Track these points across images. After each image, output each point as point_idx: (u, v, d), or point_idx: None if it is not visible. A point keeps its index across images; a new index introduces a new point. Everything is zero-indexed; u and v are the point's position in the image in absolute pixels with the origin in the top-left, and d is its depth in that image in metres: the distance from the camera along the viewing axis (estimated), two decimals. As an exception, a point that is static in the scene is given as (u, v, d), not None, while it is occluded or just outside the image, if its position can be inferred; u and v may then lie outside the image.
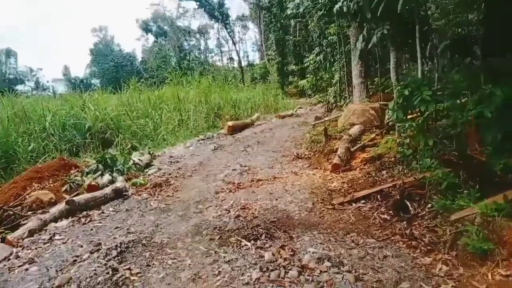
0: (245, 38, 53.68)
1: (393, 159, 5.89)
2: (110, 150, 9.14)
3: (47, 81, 51.91)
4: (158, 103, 17.46)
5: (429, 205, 4.14)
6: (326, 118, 10.86)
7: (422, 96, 4.72)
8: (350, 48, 11.21)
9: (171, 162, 8.79)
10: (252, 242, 3.86)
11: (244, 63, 37.71)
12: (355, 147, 6.57)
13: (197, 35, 50.54)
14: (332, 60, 11.36)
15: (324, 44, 11.17)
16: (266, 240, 3.90)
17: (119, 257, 3.68)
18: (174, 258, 3.65)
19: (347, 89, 11.08)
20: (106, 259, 3.63)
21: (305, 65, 12.70)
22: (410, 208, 4.15)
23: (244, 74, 34.50)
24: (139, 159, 8.08)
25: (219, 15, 35.13)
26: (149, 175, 7.46)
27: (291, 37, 30.52)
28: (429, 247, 3.52)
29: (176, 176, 7.38)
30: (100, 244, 4.04)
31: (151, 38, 49.78)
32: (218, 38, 47.42)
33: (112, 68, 48.88)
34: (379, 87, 9.15)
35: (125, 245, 3.94)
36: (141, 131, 15.31)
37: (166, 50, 42.88)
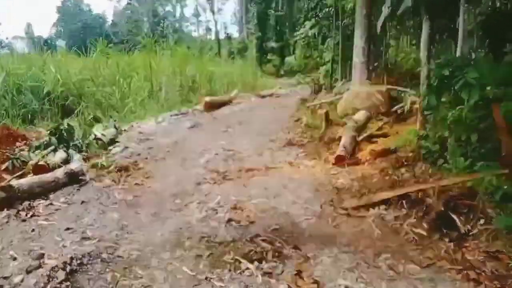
0: (224, 8, 51.49)
1: (410, 154, 5.01)
2: (68, 120, 7.76)
3: (6, 38, 47.82)
4: (128, 71, 15.88)
5: (482, 221, 3.27)
6: (316, 101, 9.88)
7: (466, 79, 3.80)
8: (349, 23, 10.22)
9: (141, 139, 7.57)
10: (256, 264, 2.85)
11: (222, 36, 35.98)
12: (361, 137, 5.65)
13: (173, 1, 47.81)
14: (326, 35, 10.32)
15: (321, 16, 10.11)
16: (274, 260, 2.90)
17: (68, 283, 2.56)
18: (148, 286, 2.58)
19: (341, 69, 10.13)
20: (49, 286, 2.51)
21: (294, 39, 11.59)
22: (459, 224, 3.26)
23: (221, 47, 32.86)
24: (102, 134, 6.81)
25: (198, -20, 32.98)
26: (113, 154, 6.24)
27: (273, 12, 29.12)
28: (495, 282, 2.64)
29: (146, 158, 6.21)
30: (42, 256, 2.91)
31: (124, 0, 46.63)
32: (197, 5, 45.04)
33: (80, 30, 45.40)
34: (382, 68, 8.26)
35: (78, 261, 2.82)
36: (107, 100, 13.83)
37: (139, 14, 40.25)
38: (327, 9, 10.37)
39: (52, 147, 5.63)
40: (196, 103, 15.24)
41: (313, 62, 11.96)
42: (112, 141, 6.91)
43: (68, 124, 6.26)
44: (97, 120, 8.76)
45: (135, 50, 19.15)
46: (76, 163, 5.18)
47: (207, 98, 12.80)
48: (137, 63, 16.76)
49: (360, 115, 5.94)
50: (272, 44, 28.65)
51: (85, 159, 5.70)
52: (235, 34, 40.40)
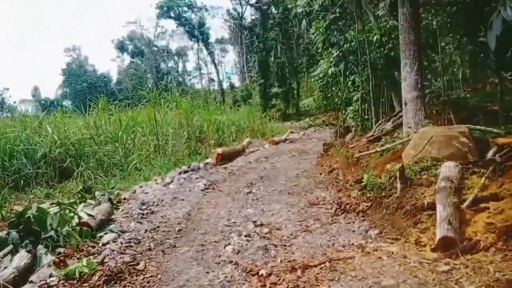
0: (223, 60, 51.29)
1: None
2: (36, 202, 5.76)
3: (14, 102, 47.09)
4: (131, 126, 14.13)
5: None
6: (352, 145, 7.93)
7: None
8: (376, 56, 8.50)
9: (143, 214, 5.51)
10: None
11: (225, 85, 34.92)
12: (466, 203, 3.61)
13: (175, 57, 47.47)
14: (352, 71, 8.62)
15: (345, 50, 8.47)
16: None
17: None
18: None
19: (374, 108, 8.29)
20: None
21: (313, 79, 10.03)
22: None
23: (225, 96, 31.59)
24: (89, 214, 4.77)
25: (200, 34, 32.37)
26: (102, 245, 4.16)
27: (273, 59, 28.07)
28: None
29: (149, 249, 4.14)
30: None
31: (127, 59, 46.32)
32: (198, 59, 44.59)
33: (85, 89, 44.66)
34: (441, 103, 6.39)
35: None
36: (109, 158, 11.98)
37: (142, 71, 39.54)
38: (347, 45, 8.72)
39: (9, 248, 3.59)
40: (205, 154, 13.40)
41: (336, 102, 10.21)
42: (104, 223, 4.86)
43: (39, 208, 4.24)
44: (87, 191, 6.73)
45: (140, 105, 17.51)
46: (38, 274, 3.12)
47: (219, 150, 10.90)
48: (141, 118, 15.07)
49: (450, 169, 3.94)
50: (276, 89, 27.34)
51: (60, 261, 3.64)
52: (236, 83, 39.49)
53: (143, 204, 6.06)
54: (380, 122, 7.80)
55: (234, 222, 4.93)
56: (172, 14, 34.55)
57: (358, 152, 7.10)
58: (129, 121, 14.37)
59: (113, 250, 3.95)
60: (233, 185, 7.52)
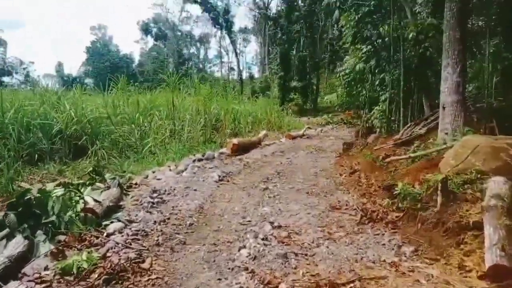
0: (245, 50, 50.42)
1: None
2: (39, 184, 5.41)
3: (38, 76, 47.39)
4: (149, 108, 13.78)
5: None
6: (377, 147, 7.37)
7: None
8: (410, 55, 7.84)
9: (153, 203, 5.11)
10: None
11: (244, 76, 34.34)
12: (520, 227, 3.10)
13: (198, 44, 46.98)
14: (384, 68, 7.98)
15: (377, 46, 7.83)
16: None
17: None
18: None
19: (403, 110, 7.66)
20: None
21: (338, 75, 9.43)
22: None
23: (243, 86, 31.05)
24: (95, 200, 4.38)
25: (224, 22, 31.75)
26: (106, 236, 3.77)
27: (295, 52, 27.33)
28: None
29: (157, 244, 3.73)
30: None
31: (150, 41, 46.01)
32: (220, 47, 43.89)
33: (107, 69, 44.59)
34: (482, 110, 5.78)
35: None
36: (124, 139, 11.66)
37: (164, 55, 39.20)
38: (380, 40, 8.07)
39: (4, 232, 3.22)
40: (220, 143, 12.99)
41: (358, 100, 9.59)
42: (111, 210, 4.48)
43: (40, 190, 3.86)
44: (98, 173, 6.37)
45: (160, 89, 17.12)
46: (32, 266, 2.73)
47: (235, 140, 10.46)
48: (159, 101, 14.69)
49: (500, 185, 3.41)
50: (295, 83, 26.68)
51: (58, 252, 3.26)
52: (256, 74, 38.80)
53: (154, 191, 5.66)
54: (409, 125, 7.21)
55: (249, 221, 4.49)
56: (199, -1, 34.14)
57: (385, 156, 6.55)
58: (147, 104, 14.02)
59: (117, 243, 3.55)
60: (249, 178, 7.06)
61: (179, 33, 43.69)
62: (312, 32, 26.92)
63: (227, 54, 47.13)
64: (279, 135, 15.29)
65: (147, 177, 7.39)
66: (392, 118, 8.13)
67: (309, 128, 16.47)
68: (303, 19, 26.92)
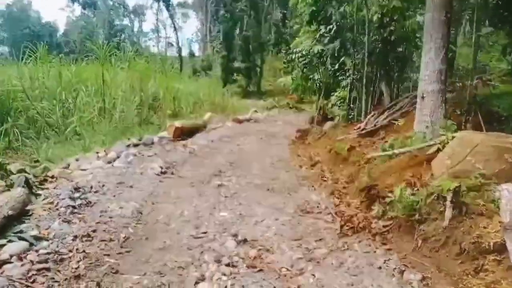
0: (184, 26, 47.40)
1: None
2: None
3: None
4: (74, 83, 11.83)
5: None
6: (340, 137, 6.73)
7: None
8: (374, 39, 7.25)
9: (74, 207, 3.84)
10: None
11: (184, 53, 32.27)
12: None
13: (132, 15, 43.14)
14: (347, 51, 7.27)
15: (342, 26, 7.06)
16: None
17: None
18: None
19: (363, 98, 7.08)
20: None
21: (291, 56, 8.60)
22: None
23: (183, 64, 29.15)
24: (-16, 210, 3.04)
25: (162, -8, 29.18)
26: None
27: (238, 32, 26.09)
28: None
29: (77, 277, 2.58)
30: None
31: (77, 10, 41.03)
32: (157, 20, 40.63)
33: (26, 37, 39.19)
34: (468, 102, 5.24)
35: None
36: (43, 117, 9.82)
37: (94, 25, 35.27)
38: (343, 20, 7.34)
39: None
40: (159, 125, 11.65)
41: (314, 84, 8.90)
42: (13, 220, 3.17)
43: None
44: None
45: (87, 61, 14.81)
46: None
47: (178, 123, 9.22)
48: (86, 75, 12.70)
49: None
50: (239, 64, 25.57)
51: None
52: (196, 53, 36.83)
53: (76, 189, 4.36)
54: (372, 114, 6.68)
55: (205, 233, 3.48)
56: (133, -35, 30.50)
57: (350, 147, 5.91)
58: (72, 77, 12.03)
59: (13, 282, 2.34)
60: (197, 170, 5.99)
61: (111, 2, 39.56)
62: (256, 11, 25.84)
63: (165, 28, 44.15)
64: (225, 118, 14.22)
65: (68, 166, 5.98)
66: (352, 106, 7.58)
67: (255, 111, 15.65)
68: (248, -3, 25.69)
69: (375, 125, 6.34)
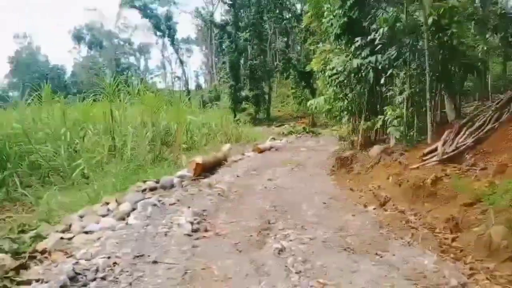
0: (189, 61, 46.85)
1: None
2: None
3: (-44, 91, 39.67)
4: (81, 122, 10.45)
5: None
6: (415, 165, 5.11)
7: None
8: (441, 39, 5.76)
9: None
10: None
11: (191, 86, 31.24)
12: None
13: (137, 54, 42.61)
14: (404, 60, 5.80)
15: (397, 31, 5.58)
16: None
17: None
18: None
19: (428, 115, 5.51)
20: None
21: (326, 73, 7.22)
22: None
23: (191, 97, 28.03)
24: None
25: (166, 29, 28.42)
26: None
27: (243, 61, 25.07)
28: None
29: None
30: None
31: (84, 51, 40.52)
32: (162, 56, 39.92)
33: (36, 81, 38.67)
34: None
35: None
36: (46, 161, 8.39)
37: (100, 65, 34.56)
38: (398, 24, 5.86)
39: None
40: (174, 161, 10.12)
41: (352, 104, 7.42)
42: None
43: None
44: None
45: (95, 99, 13.42)
46: None
47: (199, 159, 7.67)
48: (94, 113, 11.29)
49: None
50: (247, 92, 24.37)
51: None
52: (203, 85, 35.84)
53: (73, 278, 2.75)
54: (448, 133, 5.11)
55: None
56: (137, 4, 30.03)
57: (436, 178, 4.30)
58: (79, 116, 10.65)
59: None
60: (237, 222, 4.37)
61: (116, 41, 39.05)
62: (260, 40, 24.90)
63: (170, 64, 43.48)
64: (242, 148, 12.71)
65: (69, 228, 4.39)
66: (412, 131, 5.99)
67: (273, 139, 14.15)
68: (252, 27, 24.82)
69: (456, 148, 4.78)
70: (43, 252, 3.49)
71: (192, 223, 4.18)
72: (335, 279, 2.83)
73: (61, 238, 3.98)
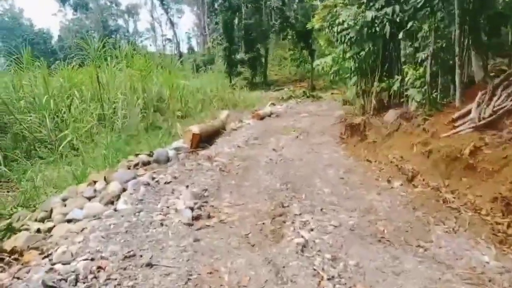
0: (179, 22, 44.39)
1: None
2: None
3: None
4: (67, 89, 9.57)
5: None
6: (445, 134, 4.43)
7: None
8: None
9: None
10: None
11: (183, 49, 29.59)
12: None
13: (125, 16, 40.13)
14: (433, 8, 4.89)
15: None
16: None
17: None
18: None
19: (457, 74, 4.73)
20: None
21: (335, 29, 6.29)
22: None
23: (183, 60, 26.63)
24: None
25: (155, -14, 26.31)
26: None
27: (237, 21, 23.50)
28: None
29: None
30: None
31: (70, 13, 37.98)
32: (152, 17, 37.58)
33: (21, 46, 36.57)
34: None
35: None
36: (31, 132, 7.71)
37: (87, 28, 32.48)
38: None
39: None
40: (168, 130, 9.41)
41: (364, 63, 6.58)
42: None
43: None
44: None
45: (82, 64, 12.32)
46: None
47: (195, 128, 6.91)
48: (80, 79, 10.35)
49: None
50: (242, 55, 23.08)
51: None
52: (195, 47, 34.11)
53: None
54: (481, 95, 4.40)
55: None
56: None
57: (475, 148, 3.64)
58: (64, 83, 9.73)
59: None
60: (244, 205, 3.73)
61: (103, 2, 36.49)
62: (255, -2, 23.19)
63: (160, 26, 41.17)
64: (240, 115, 11.93)
65: (50, 214, 3.76)
66: (435, 92, 5.23)
67: (273, 104, 13.33)
68: (245, -17, 23.04)
69: (494, 112, 4.10)
70: (12, 251, 2.84)
71: (192, 209, 3.52)
72: (377, 285, 2.23)
73: (38, 230, 3.33)
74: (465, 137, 4.06)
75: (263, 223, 3.21)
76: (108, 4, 37.44)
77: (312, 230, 3.01)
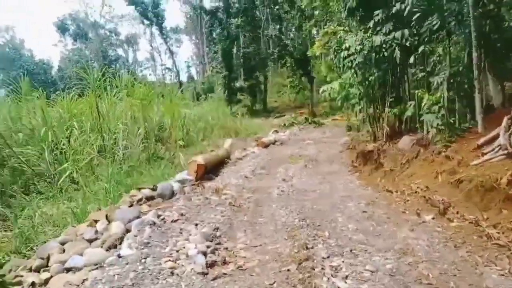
0: (179, 52, 44.94)
1: None
2: None
3: None
4: (66, 119, 9.27)
5: None
6: (475, 162, 4.09)
7: None
8: (485, 8, 4.70)
9: None
10: None
11: (182, 78, 29.72)
12: None
13: (125, 45, 40.57)
14: (449, 31, 4.69)
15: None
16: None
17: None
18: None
19: (477, 97, 4.45)
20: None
21: (341, 54, 6.07)
22: None
23: (183, 89, 26.68)
24: None
25: (154, 16, 26.68)
26: None
27: (235, 50, 23.72)
28: None
29: None
30: None
31: (69, 43, 38.27)
32: (151, 46, 38.00)
33: (20, 76, 36.68)
34: None
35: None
36: (30, 167, 7.39)
37: (87, 57, 32.73)
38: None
39: None
40: (170, 160, 9.07)
41: (375, 89, 6.35)
42: None
43: None
44: None
45: (83, 96, 12.10)
46: None
47: (200, 159, 6.56)
48: (80, 108, 10.07)
49: None
50: (241, 83, 23.11)
51: None
52: (195, 76, 34.32)
53: None
54: (508, 119, 4.13)
55: None
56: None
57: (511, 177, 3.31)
58: (64, 113, 9.47)
59: None
60: (261, 246, 3.34)
61: (102, 32, 36.92)
62: (254, 27, 23.52)
63: (159, 55, 41.61)
64: (244, 143, 11.64)
65: (47, 261, 3.35)
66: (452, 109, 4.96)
67: (276, 131, 13.08)
68: (243, 13, 23.43)
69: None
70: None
71: (205, 253, 3.12)
72: None
73: (33, 284, 2.91)
74: (498, 165, 3.74)
75: (288, 270, 2.81)
76: (108, 34, 37.93)
77: (347, 277, 2.61)
